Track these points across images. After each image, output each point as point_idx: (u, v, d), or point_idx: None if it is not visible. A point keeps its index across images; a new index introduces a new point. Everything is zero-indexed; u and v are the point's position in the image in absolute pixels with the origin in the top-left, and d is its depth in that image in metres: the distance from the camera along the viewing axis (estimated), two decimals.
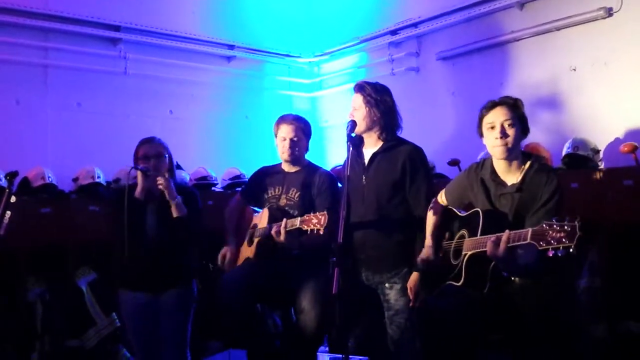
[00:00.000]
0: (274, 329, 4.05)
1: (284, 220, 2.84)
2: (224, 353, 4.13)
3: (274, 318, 4.07)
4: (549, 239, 1.94)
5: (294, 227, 2.79)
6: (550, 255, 1.95)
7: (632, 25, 3.85)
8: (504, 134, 2.39)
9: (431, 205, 2.77)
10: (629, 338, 3.27)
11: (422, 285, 2.71)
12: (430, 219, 2.73)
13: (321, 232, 2.65)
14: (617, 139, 3.82)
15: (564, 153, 3.77)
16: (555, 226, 1.94)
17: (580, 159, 3.70)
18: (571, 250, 1.90)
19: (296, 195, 3.14)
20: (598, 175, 3.55)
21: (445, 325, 2.42)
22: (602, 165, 3.75)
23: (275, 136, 3.23)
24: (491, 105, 2.47)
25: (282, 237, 2.84)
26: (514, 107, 2.44)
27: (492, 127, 2.43)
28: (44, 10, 4.57)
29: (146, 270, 3.01)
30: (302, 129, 3.18)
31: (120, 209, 2.88)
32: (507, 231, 2.16)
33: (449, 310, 2.43)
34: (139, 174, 3.01)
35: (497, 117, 2.43)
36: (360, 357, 3.03)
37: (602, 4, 3.94)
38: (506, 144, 2.40)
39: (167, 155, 3.09)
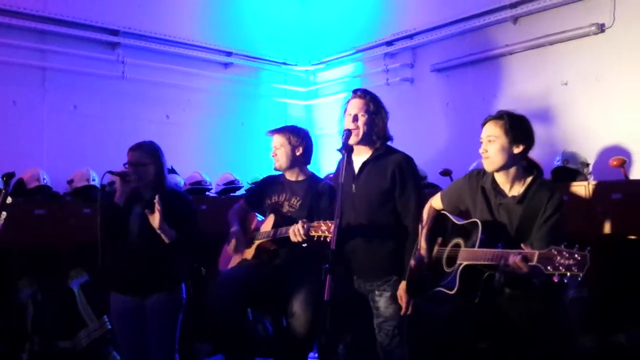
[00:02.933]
0: (264, 334, 4.06)
1: (300, 222, 2.81)
2: (214, 357, 4.13)
3: (263, 323, 4.09)
4: (557, 264, 1.96)
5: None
6: (556, 280, 1.97)
7: (624, 42, 3.91)
8: (484, 150, 2.48)
9: (426, 207, 2.80)
10: (617, 350, 3.30)
11: (410, 291, 2.73)
12: (424, 221, 2.75)
13: (328, 240, 2.65)
14: (606, 153, 3.87)
15: (553, 166, 3.82)
16: (564, 253, 1.95)
17: (570, 172, 3.75)
18: (579, 279, 1.92)
19: (298, 204, 3.18)
20: (587, 188, 3.59)
21: (435, 332, 2.44)
22: (591, 179, 3.80)
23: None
24: (484, 122, 2.53)
25: (299, 238, 2.80)
26: (498, 121, 2.46)
27: (481, 143, 2.51)
28: (42, 13, 4.60)
29: (130, 274, 3.00)
30: (288, 141, 3.22)
31: (103, 213, 2.88)
32: (536, 252, 2.12)
33: (439, 317, 2.45)
34: (117, 178, 3.01)
35: (483, 133, 2.51)
36: None
37: (594, 20, 4.00)
38: (487, 159, 2.46)
39: (151, 164, 3.02)
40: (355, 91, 2.95)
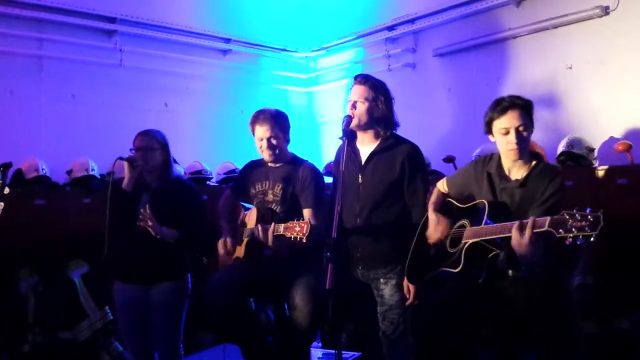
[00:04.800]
0: (267, 323, 4.05)
1: (272, 225, 2.79)
2: (217, 347, 4.12)
3: (267, 312, 4.07)
4: (570, 227, 1.95)
5: (278, 233, 2.78)
6: (568, 243, 1.96)
7: (628, 24, 3.86)
8: (520, 140, 2.41)
9: (432, 191, 2.78)
10: (620, 335, 3.29)
11: (409, 276, 2.70)
12: (432, 203, 2.73)
13: (304, 241, 2.64)
14: (612, 138, 3.84)
15: (559, 151, 3.78)
16: (577, 215, 1.95)
17: (575, 157, 3.71)
18: (592, 239, 1.91)
19: (280, 192, 3.10)
20: (592, 173, 3.55)
21: (437, 315, 2.43)
22: (596, 164, 3.76)
23: (253, 135, 3.14)
24: (502, 109, 2.44)
25: (270, 244, 2.81)
26: (526, 109, 2.43)
27: (507, 133, 2.43)
28: (39, 1, 4.53)
29: (137, 263, 2.99)
30: (279, 126, 3.05)
31: (111, 199, 2.87)
32: (532, 217, 2.14)
33: (441, 300, 2.45)
34: (125, 164, 2.98)
35: (511, 122, 2.41)
36: (353, 353, 3.04)
37: (599, 3, 3.95)
38: (522, 148, 2.42)
39: (159, 150, 3.04)
40: (356, 77, 2.89)
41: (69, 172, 4.29)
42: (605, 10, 3.94)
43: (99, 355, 3.86)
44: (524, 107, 2.43)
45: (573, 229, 1.94)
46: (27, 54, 4.56)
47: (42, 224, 3.91)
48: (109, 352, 3.87)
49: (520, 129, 2.41)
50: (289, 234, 2.69)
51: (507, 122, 2.42)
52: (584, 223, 1.92)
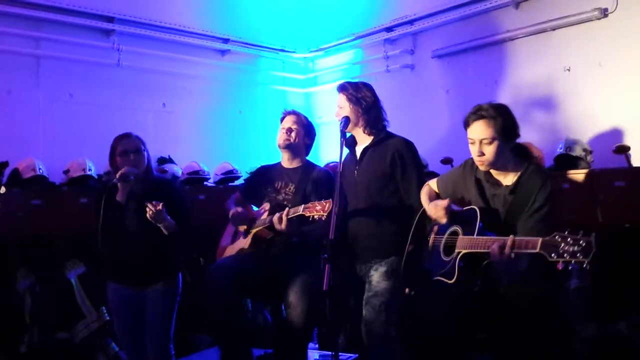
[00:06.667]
0: (264, 324, 4.04)
1: (287, 208, 2.88)
2: (213, 348, 4.11)
3: (263, 314, 4.06)
4: (561, 251, 1.91)
5: (296, 214, 2.82)
6: (560, 268, 1.94)
7: (627, 26, 3.86)
8: (481, 153, 2.38)
9: (424, 190, 2.78)
10: (618, 337, 3.29)
11: (406, 281, 2.69)
12: (425, 197, 2.73)
13: (323, 219, 2.66)
14: (609, 140, 3.83)
15: (556, 153, 3.78)
16: (569, 239, 1.91)
17: (572, 159, 3.71)
18: (585, 266, 1.87)
19: (292, 190, 3.19)
20: (589, 175, 3.55)
21: (433, 320, 2.43)
22: (594, 166, 3.76)
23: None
24: (472, 120, 2.41)
25: (283, 225, 2.86)
26: (494, 120, 2.36)
27: (472, 143, 2.42)
28: (37, 0, 4.50)
29: (129, 264, 2.99)
30: (305, 126, 3.32)
31: (100, 204, 2.86)
32: (511, 236, 2.12)
33: (436, 309, 2.44)
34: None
35: (476, 134, 2.39)
36: (350, 355, 3.03)
37: (597, 5, 3.95)
38: (485, 161, 2.39)
39: (145, 150, 3.05)
40: (337, 87, 3.09)
41: (66, 172, 4.27)
42: (604, 13, 3.94)
43: (95, 356, 3.84)
44: (491, 118, 2.36)
45: (565, 255, 1.91)
46: (24, 53, 4.53)
47: (38, 224, 3.90)
48: (105, 353, 3.85)
49: (484, 142, 2.36)
50: (309, 213, 2.72)
51: (472, 133, 2.40)
52: (576, 248, 1.88)
